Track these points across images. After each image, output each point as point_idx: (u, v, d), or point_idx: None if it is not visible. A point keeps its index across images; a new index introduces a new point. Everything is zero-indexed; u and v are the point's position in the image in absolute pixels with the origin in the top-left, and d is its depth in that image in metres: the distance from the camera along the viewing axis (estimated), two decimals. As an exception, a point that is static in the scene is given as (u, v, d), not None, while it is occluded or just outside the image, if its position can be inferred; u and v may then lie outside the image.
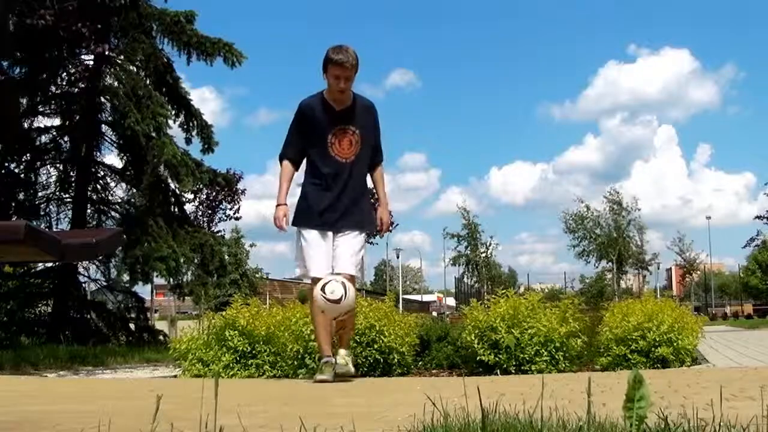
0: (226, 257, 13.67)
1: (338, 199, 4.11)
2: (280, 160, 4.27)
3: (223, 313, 5.08)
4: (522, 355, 4.44)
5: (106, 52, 11.03)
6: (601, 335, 4.81)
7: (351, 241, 4.11)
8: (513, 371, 4.40)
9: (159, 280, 13.94)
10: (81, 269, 12.04)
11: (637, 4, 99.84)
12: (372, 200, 5.08)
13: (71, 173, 12.10)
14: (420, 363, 5.06)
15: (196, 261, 11.75)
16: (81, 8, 10.14)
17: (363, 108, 4.22)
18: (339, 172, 4.11)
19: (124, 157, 12.10)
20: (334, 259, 4.07)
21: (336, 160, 4.12)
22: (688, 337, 4.63)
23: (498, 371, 4.39)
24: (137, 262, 10.66)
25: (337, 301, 3.82)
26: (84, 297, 12.26)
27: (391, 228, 4.16)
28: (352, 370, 4.05)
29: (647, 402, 1.23)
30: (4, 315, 11.36)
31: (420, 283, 71.31)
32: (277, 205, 4.18)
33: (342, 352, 4.05)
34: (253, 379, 4.67)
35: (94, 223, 12.02)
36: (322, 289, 3.84)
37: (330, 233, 4.11)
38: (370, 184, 4.41)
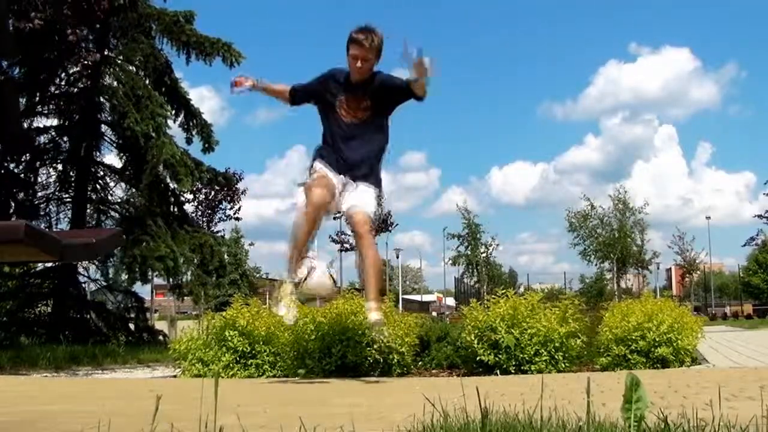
0: (226, 257, 13.66)
1: (344, 155, 4.08)
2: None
3: (223, 313, 5.07)
4: (522, 355, 4.44)
5: (97, 59, 11.01)
6: (601, 335, 4.81)
7: (361, 187, 4.07)
8: (513, 371, 4.40)
9: (159, 280, 13.96)
10: (81, 269, 12.04)
11: (638, 3, 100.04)
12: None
13: (71, 173, 12.10)
14: (420, 363, 5.06)
15: (195, 261, 11.75)
16: (74, 14, 10.12)
17: (380, 80, 4.12)
18: (345, 132, 4.09)
19: (124, 157, 12.11)
20: (346, 202, 4.04)
21: (342, 120, 4.11)
22: (687, 337, 4.63)
23: (498, 371, 4.39)
24: (135, 262, 10.65)
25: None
26: (84, 297, 12.25)
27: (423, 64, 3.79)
28: (380, 317, 3.95)
29: (645, 403, 1.25)
30: (4, 315, 11.37)
31: (420, 283, 71.25)
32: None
33: (369, 305, 3.97)
34: (253, 379, 4.67)
35: (94, 223, 12.03)
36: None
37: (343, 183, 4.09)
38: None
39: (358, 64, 3.99)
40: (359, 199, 4.03)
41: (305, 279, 3.90)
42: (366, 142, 4.15)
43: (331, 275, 4.01)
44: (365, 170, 4.12)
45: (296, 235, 3.96)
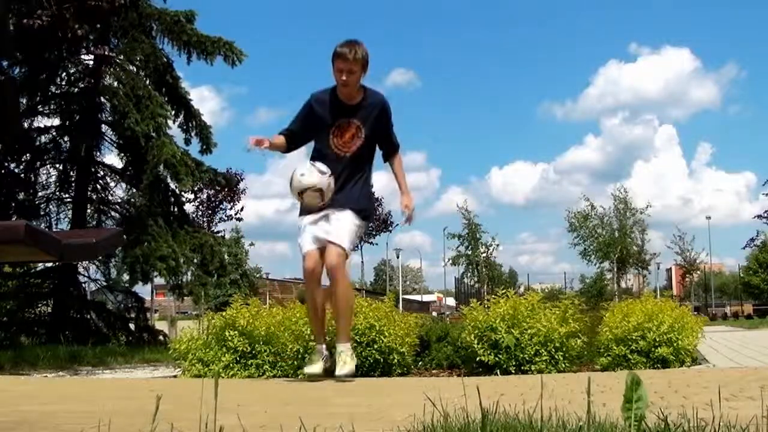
0: (226, 257, 13.66)
1: (334, 197, 4.06)
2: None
3: (223, 313, 5.07)
4: (522, 355, 4.44)
5: (106, 53, 11.03)
6: (601, 335, 4.81)
7: (339, 215, 4.05)
8: (513, 371, 4.40)
9: (159, 280, 13.93)
10: (81, 269, 12.02)
11: (638, 3, 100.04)
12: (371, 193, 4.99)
13: (71, 173, 12.09)
14: (420, 363, 5.06)
15: (195, 261, 11.74)
16: (79, 10, 10.12)
17: (373, 103, 4.18)
18: (335, 166, 4.07)
19: (124, 157, 12.09)
20: (327, 233, 4.02)
21: (334, 153, 4.10)
22: (688, 337, 4.63)
23: (498, 371, 4.39)
24: (137, 262, 10.65)
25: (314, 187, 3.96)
26: (84, 297, 12.24)
27: (411, 216, 4.39)
28: (352, 368, 3.96)
29: (645, 403, 1.24)
30: (4, 315, 11.35)
31: (420, 283, 71.29)
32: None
33: (339, 346, 4.00)
34: (253, 379, 4.67)
35: (94, 223, 12.02)
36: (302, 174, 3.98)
37: (322, 218, 4.09)
38: (376, 175, 4.41)
39: (344, 76, 4.01)
40: (335, 231, 3.99)
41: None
42: (353, 170, 4.14)
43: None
44: (346, 196, 4.09)
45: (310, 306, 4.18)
